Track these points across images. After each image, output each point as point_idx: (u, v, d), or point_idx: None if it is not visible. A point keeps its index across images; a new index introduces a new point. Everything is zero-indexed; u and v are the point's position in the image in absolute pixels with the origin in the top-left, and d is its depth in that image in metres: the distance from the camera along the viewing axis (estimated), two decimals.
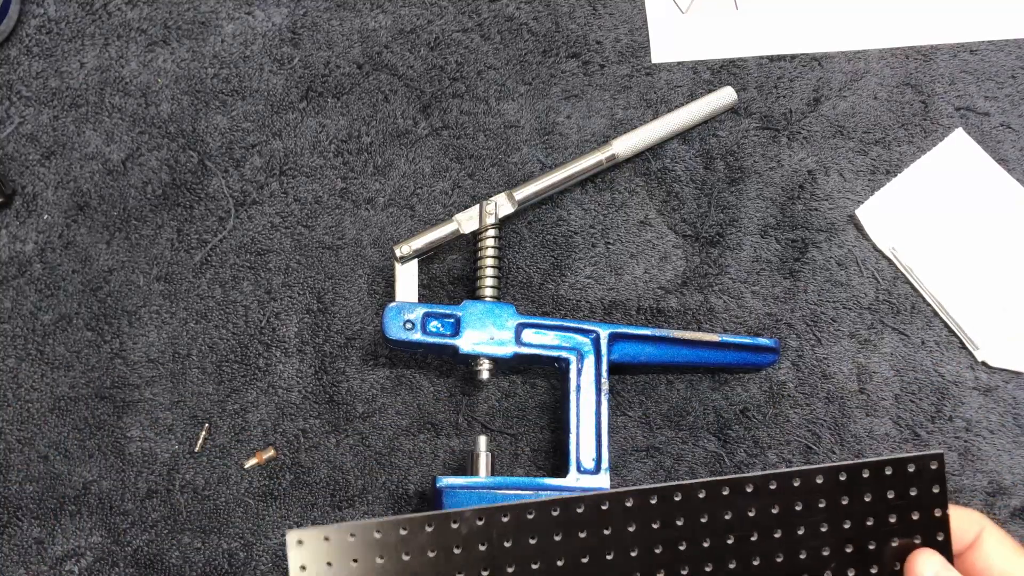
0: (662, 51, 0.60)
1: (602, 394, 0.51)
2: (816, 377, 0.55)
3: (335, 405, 0.56)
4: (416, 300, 0.53)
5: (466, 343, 0.51)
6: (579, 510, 0.38)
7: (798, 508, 0.39)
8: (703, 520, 0.38)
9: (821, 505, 0.39)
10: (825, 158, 0.58)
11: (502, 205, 0.55)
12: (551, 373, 0.56)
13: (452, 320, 0.52)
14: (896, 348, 0.56)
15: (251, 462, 0.55)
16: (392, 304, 0.52)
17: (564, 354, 0.52)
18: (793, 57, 0.60)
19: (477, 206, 0.55)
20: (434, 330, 0.52)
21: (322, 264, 0.58)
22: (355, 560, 0.37)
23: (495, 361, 0.52)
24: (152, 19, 0.61)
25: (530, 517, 0.38)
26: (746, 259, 0.57)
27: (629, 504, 0.38)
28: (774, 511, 0.39)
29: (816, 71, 0.60)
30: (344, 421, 0.55)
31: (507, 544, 0.37)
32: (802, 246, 0.57)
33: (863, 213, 0.57)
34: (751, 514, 0.39)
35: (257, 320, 0.57)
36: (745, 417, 0.55)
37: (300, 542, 0.36)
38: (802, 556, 0.39)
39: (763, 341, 0.53)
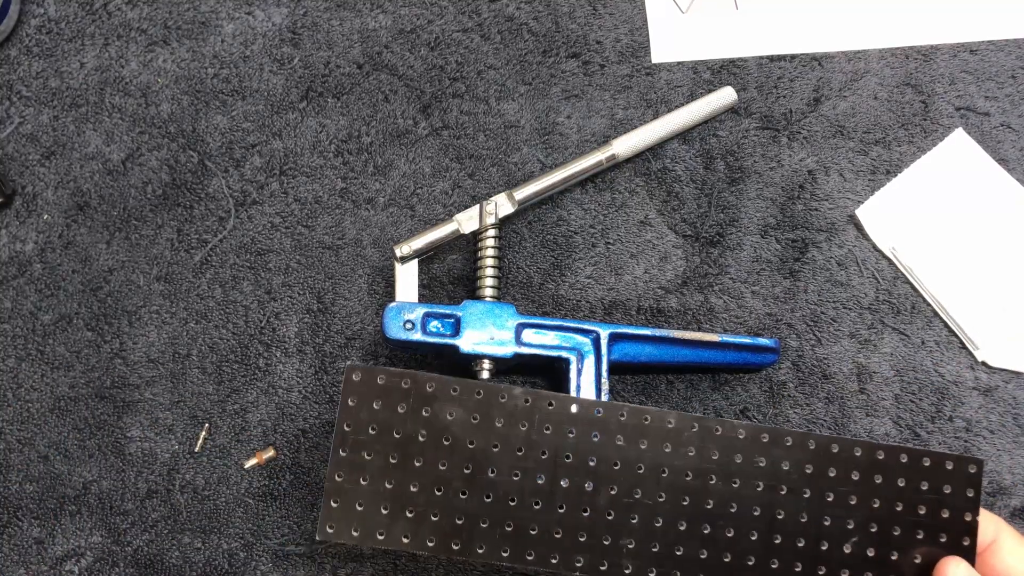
0: (662, 51, 0.60)
1: (602, 394, 0.51)
2: (816, 377, 0.55)
3: (335, 405, 0.56)
4: (416, 300, 0.53)
5: (466, 343, 0.51)
6: (621, 418, 0.38)
7: (832, 474, 0.39)
8: (737, 460, 0.38)
9: (855, 477, 0.39)
10: (825, 158, 0.58)
11: (502, 205, 0.55)
12: (551, 373, 0.56)
13: (452, 320, 0.52)
14: (896, 348, 0.56)
15: (251, 462, 0.55)
16: (392, 304, 0.52)
17: (564, 354, 0.52)
18: (793, 57, 0.60)
19: (477, 206, 0.55)
20: (434, 330, 0.52)
21: (322, 264, 0.58)
22: (402, 408, 0.37)
23: (495, 361, 0.52)
24: (152, 19, 0.61)
25: (573, 411, 0.38)
26: (746, 259, 0.57)
27: (671, 424, 0.38)
28: (808, 470, 0.39)
29: (816, 71, 0.60)
30: None
31: (547, 431, 0.38)
32: (802, 246, 0.57)
33: (863, 213, 0.57)
34: (785, 467, 0.39)
35: (257, 320, 0.57)
36: (745, 417, 0.55)
37: (356, 376, 0.37)
38: (826, 523, 0.39)
39: (763, 341, 0.53)
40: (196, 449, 0.55)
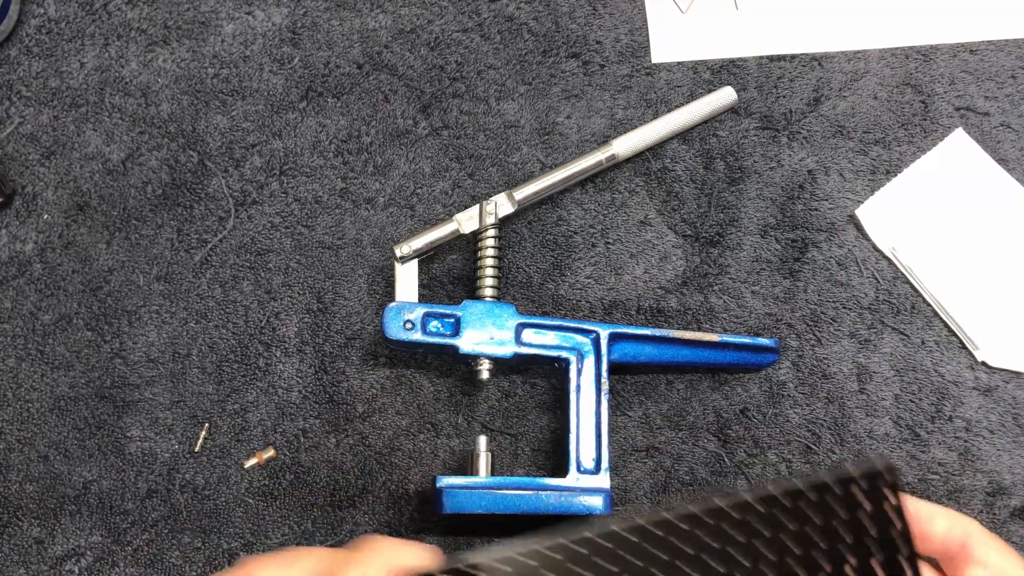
0: (662, 51, 0.60)
1: (602, 394, 0.51)
2: (816, 377, 0.55)
3: (335, 405, 0.56)
4: (416, 300, 0.53)
5: (466, 343, 0.51)
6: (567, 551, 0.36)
7: (740, 541, 0.37)
8: (664, 557, 0.37)
9: (767, 535, 0.38)
10: (825, 158, 0.58)
11: (502, 205, 0.55)
12: (551, 373, 0.56)
13: (452, 320, 0.52)
14: (896, 348, 0.56)
15: (251, 462, 0.55)
16: (392, 304, 0.52)
17: (564, 354, 0.52)
18: (793, 57, 0.60)
19: (477, 206, 0.55)
20: (434, 330, 0.52)
21: (322, 264, 0.58)
22: None
23: (495, 361, 0.52)
24: (152, 19, 0.61)
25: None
26: (746, 259, 0.57)
27: (608, 545, 0.36)
28: (715, 547, 0.37)
29: (816, 71, 0.60)
30: (344, 421, 0.55)
31: None
32: (802, 246, 0.57)
33: (863, 213, 0.57)
34: (692, 552, 0.37)
35: (257, 320, 0.57)
36: (745, 417, 0.55)
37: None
38: None
39: (763, 341, 0.53)
40: (196, 449, 0.55)
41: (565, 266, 0.57)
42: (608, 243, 0.58)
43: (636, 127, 0.58)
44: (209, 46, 0.61)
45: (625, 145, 0.57)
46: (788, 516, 0.37)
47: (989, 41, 0.60)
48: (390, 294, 0.57)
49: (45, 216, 0.59)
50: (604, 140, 0.58)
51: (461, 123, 0.59)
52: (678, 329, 0.54)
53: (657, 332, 0.52)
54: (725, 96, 0.58)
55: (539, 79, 0.60)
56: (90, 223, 0.59)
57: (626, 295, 0.57)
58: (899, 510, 0.38)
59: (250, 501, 0.54)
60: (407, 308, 0.52)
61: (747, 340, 0.53)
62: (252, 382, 0.56)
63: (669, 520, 0.36)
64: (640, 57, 0.60)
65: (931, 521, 0.46)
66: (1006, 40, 0.60)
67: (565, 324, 0.52)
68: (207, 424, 0.56)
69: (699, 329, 0.56)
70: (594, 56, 0.60)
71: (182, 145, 0.60)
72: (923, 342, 0.56)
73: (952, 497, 0.53)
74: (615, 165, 0.57)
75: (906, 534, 0.38)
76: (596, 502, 0.49)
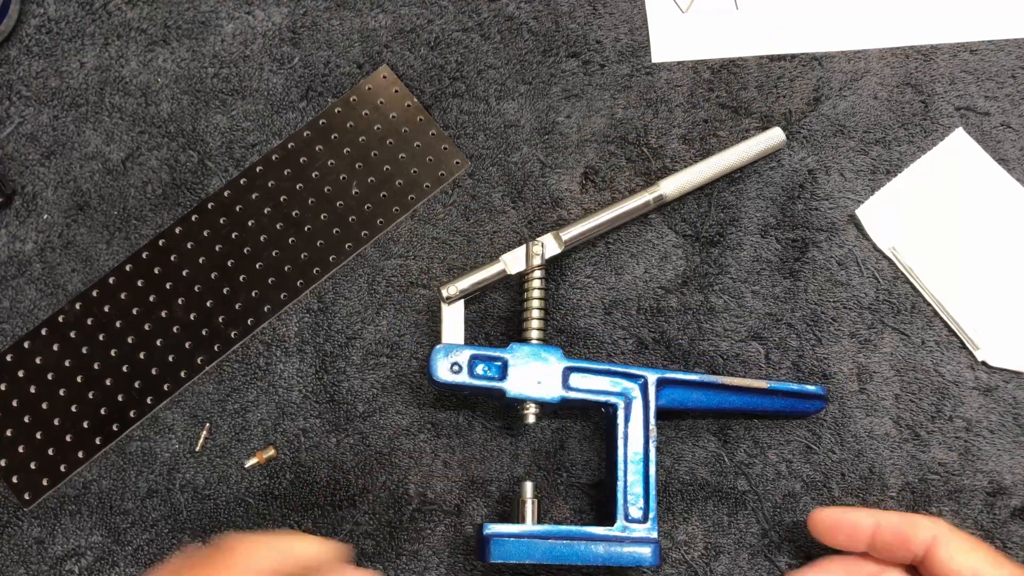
0: (662, 50, 0.60)
1: (650, 441, 0.50)
2: (816, 377, 0.55)
3: (335, 404, 0.56)
4: (462, 342, 0.52)
5: (513, 386, 0.50)
6: None
7: None
8: None
9: None
10: (825, 158, 0.58)
11: (549, 246, 0.54)
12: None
13: (499, 363, 0.51)
14: (896, 348, 0.56)
15: (251, 461, 0.55)
16: (439, 346, 0.50)
17: (612, 399, 0.50)
18: (793, 57, 0.60)
19: (524, 247, 0.54)
20: (481, 373, 0.51)
21: None
22: None
23: (541, 405, 0.51)
24: (152, 19, 0.61)
25: None
26: (746, 259, 0.57)
27: None
28: None
29: (816, 71, 0.60)
30: (344, 421, 0.55)
31: None
32: (802, 246, 0.57)
33: (863, 213, 0.57)
34: None
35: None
36: (745, 417, 0.55)
37: None
38: None
39: (811, 388, 0.53)
40: (196, 448, 0.55)
41: (565, 266, 0.57)
42: (608, 243, 0.58)
43: (683, 167, 0.57)
44: (209, 46, 0.61)
45: (673, 186, 0.56)
46: None
47: (989, 41, 0.60)
48: (390, 295, 0.57)
49: (45, 216, 0.59)
50: (604, 139, 0.58)
51: (461, 123, 0.59)
52: (727, 376, 0.53)
53: (706, 378, 0.51)
54: (774, 137, 0.57)
55: (539, 79, 0.60)
56: (90, 223, 0.59)
57: (626, 295, 0.57)
58: None
59: (250, 501, 0.54)
60: (454, 350, 0.50)
61: (795, 388, 0.52)
62: (252, 381, 0.56)
63: None
64: (640, 57, 0.60)
65: (911, 528, 0.46)
66: (1006, 40, 0.60)
67: (613, 368, 0.51)
68: (207, 424, 0.56)
69: (700, 331, 0.56)
70: (594, 56, 0.60)
71: (182, 145, 0.60)
72: (923, 342, 0.56)
73: (952, 497, 0.53)
74: (662, 205, 0.57)
75: None
76: (645, 553, 0.48)
